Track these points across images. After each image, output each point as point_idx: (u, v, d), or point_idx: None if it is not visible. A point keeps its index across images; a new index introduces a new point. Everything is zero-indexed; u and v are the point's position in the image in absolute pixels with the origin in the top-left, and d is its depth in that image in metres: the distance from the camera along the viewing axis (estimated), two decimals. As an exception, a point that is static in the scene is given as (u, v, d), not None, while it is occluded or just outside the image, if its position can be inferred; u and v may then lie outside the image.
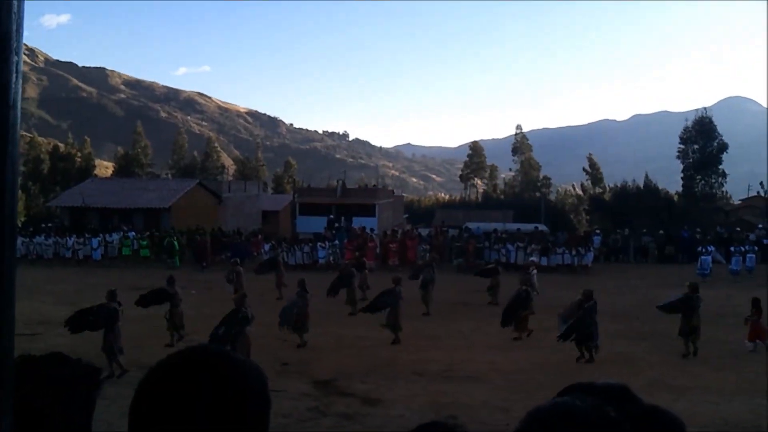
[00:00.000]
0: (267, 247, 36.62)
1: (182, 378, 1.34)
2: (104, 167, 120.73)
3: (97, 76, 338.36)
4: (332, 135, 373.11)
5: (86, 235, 37.32)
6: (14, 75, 1.29)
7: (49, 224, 43.75)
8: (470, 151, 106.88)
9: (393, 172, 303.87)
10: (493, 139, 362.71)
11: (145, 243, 37.13)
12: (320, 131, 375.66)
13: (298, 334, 16.70)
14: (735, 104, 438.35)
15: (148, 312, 17.92)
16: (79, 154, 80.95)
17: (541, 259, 33.95)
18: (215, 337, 13.95)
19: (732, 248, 32.01)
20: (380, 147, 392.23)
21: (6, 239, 1.31)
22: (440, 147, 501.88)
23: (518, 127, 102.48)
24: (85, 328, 14.68)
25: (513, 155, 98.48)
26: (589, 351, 14.97)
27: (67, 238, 37.30)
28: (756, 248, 32.90)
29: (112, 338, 14.34)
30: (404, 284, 19.23)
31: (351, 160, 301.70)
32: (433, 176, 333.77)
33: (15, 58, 1.28)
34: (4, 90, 1.28)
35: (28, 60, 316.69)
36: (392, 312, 17.21)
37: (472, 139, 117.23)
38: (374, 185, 73.48)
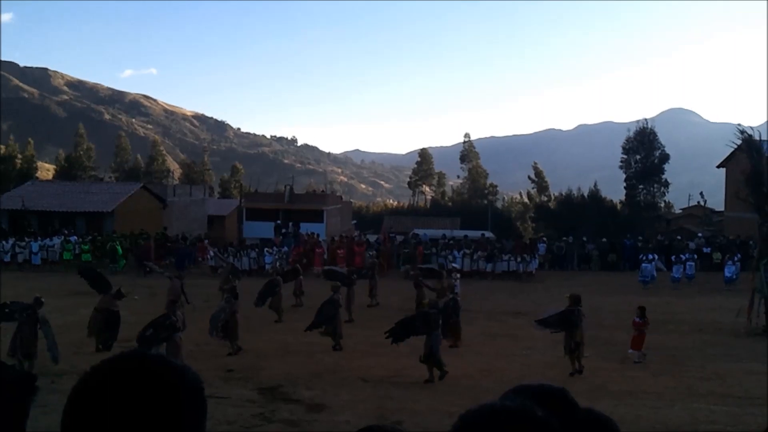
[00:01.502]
0: (212, 252, 36.24)
1: (116, 383, 1.32)
2: (46, 170, 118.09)
3: (39, 76, 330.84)
4: (280, 140, 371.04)
5: (26, 239, 36.40)
6: None
7: (-13, 228, 42.58)
8: (419, 158, 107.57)
9: (341, 178, 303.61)
10: (441, 146, 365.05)
11: (87, 247, 36.38)
12: (268, 136, 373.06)
13: (229, 341, 16.52)
14: (676, 115, 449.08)
15: (84, 318, 17.62)
16: (19, 156, 79.10)
17: (487, 266, 34.31)
18: (143, 338, 13.95)
19: (673, 257, 32.73)
20: (329, 153, 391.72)
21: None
22: (389, 153, 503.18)
23: (466, 135, 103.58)
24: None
25: (461, 163, 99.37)
26: (578, 360, 14.68)
27: (4, 242, 36.31)
28: (696, 256, 33.68)
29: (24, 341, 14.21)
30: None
31: (299, 165, 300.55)
32: (382, 183, 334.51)
33: None
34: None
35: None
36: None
37: (420, 147, 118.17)
38: (322, 191, 73.42)
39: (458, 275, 25.55)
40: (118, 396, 1.29)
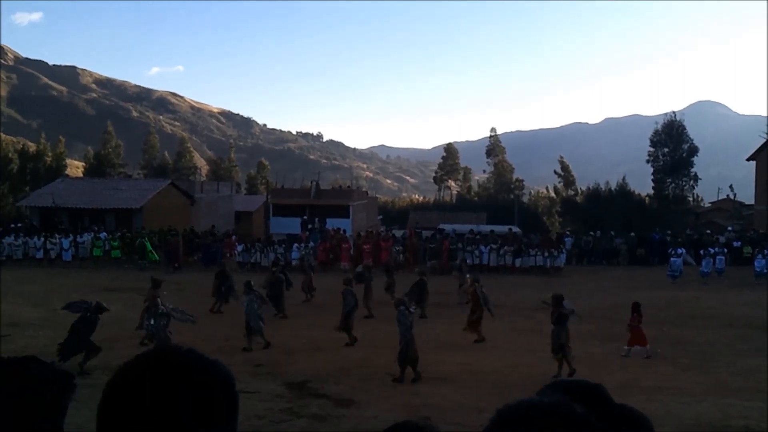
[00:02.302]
0: (240, 248, 36.45)
1: (150, 379, 1.34)
2: (75, 167, 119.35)
3: (68, 74, 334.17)
4: (306, 136, 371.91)
5: (57, 236, 36.85)
6: None
7: (19, 224, 43.14)
8: (444, 153, 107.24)
9: (367, 173, 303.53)
10: (467, 141, 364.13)
11: (116, 244, 36.76)
12: (294, 132, 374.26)
13: (258, 336, 16.64)
14: (705, 108, 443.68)
15: (119, 314, 17.78)
16: (49, 153, 79.94)
17: (515, 261, 34.18)
18: (148, 327, 14.84)
19: (702, 251, 32.38)
20: (354, 148, 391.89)
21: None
22: (414, 149, 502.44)
23: (492, 129, 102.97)
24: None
25: (487, 157, 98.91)
26: (567, 361, 14.41)
27: (36, 239, 36.78)
28: (725, 250, 33.33)
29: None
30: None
31: (325, 161, 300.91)
32: (408, 178, 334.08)
33: None
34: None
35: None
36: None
37: (446, 141, 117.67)
38: (348, 186, 73.36)
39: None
40: (152, 391, 1.32)
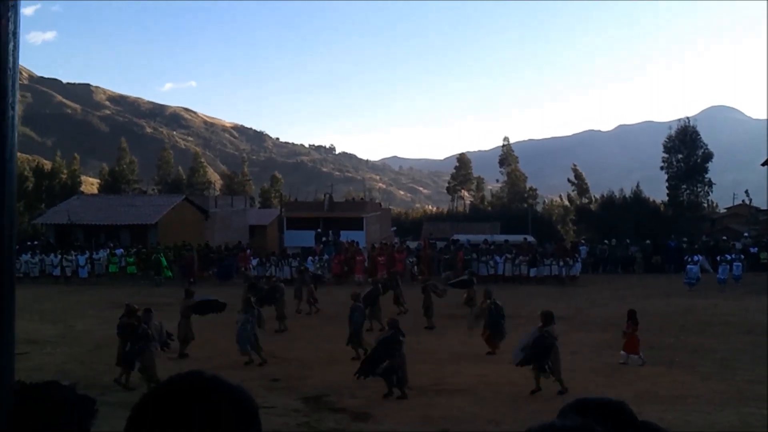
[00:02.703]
0: (255, 261, 36.53)
1: (174, 404, 1.35)
2: (90, 184, 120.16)
3: (82, 92, 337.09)
4: (319, 148, 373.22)
5: (73, 253, 37.07)
6: (9, 129, 1.35)
7: (35, 242, 43.46)
8: (457, 163, 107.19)
9: (380, 185, 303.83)
10: (479, 150, 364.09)
11: (131, 260, 36.93)
12: (306, 145, 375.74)
13: (256, 353, 16.54)
14: (718, 113, 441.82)
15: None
16: (64, 171, 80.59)
17: (530, 271, 34.05)
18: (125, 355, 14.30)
19: (719, 257, 32.13)
20: (367, 160, 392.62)
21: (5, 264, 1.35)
22: (427, 159, 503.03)
23: (505, 138, 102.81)
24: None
25: (500, 167, 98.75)
26: (553, 377, 13.65)
27: (52, 256, 37.02)
28: (742, 256, 33.07)
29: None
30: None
31: (338, 173, 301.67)
32: (420, 188, 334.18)
33: (11, 113, 1.34)
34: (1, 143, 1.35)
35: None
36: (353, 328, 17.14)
37: (458, 151, 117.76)
38: (361, 198, 73.50)
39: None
40: (175, 418, 1.33)
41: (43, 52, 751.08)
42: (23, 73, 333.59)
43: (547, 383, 13.59)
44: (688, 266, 30.50)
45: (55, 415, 1.72)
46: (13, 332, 1.40)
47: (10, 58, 1.35)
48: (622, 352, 16.20)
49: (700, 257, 32.32)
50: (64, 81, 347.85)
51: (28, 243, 42.98)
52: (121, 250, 37.99)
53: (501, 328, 17.30)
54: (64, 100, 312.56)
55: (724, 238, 41.09)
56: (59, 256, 36.82)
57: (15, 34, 1.36)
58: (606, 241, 40.31)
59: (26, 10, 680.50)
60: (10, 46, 1.35)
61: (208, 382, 1.40)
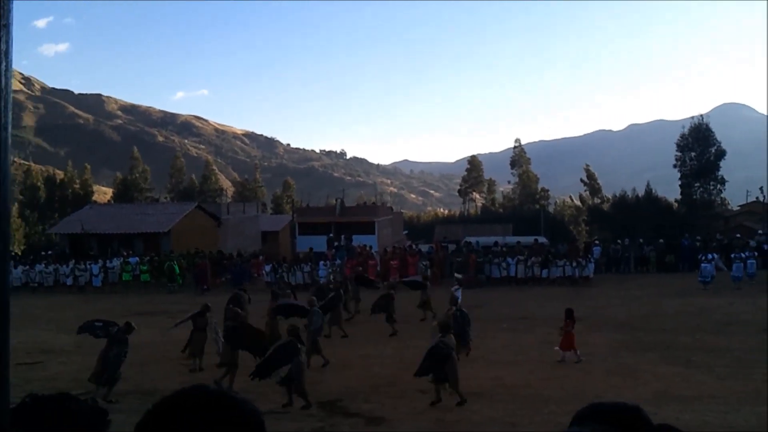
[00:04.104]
0: (268, 268, 36.59)
1: (180, 420, 1.35)
2: (103, 193, 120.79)
3: (94, 102, 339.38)
4: (330, 154, 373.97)
5: (87, 262, 37.24)
6: (2, 152, 1.36)
7: (49, 252, 43.72)
8: (468, 166, 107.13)
9: (391, 188, 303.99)
10: (490, 153, 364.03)
11: (145, 268, 37.05)
12: (318, 150, 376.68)
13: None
14: (731, 111, 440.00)
15: (150, 338, 17.87)
16: (77, 181, 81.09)
17: (542, 272, 33.93)
18: (106, 359, 14.19)
19: (733, 255, 31.91)
20: (378, 164, 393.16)
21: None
22: (438, 162, 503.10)
23: (516, 140, 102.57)
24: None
25: (511, 168, 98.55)
26: (437, 389, 13.13)
27: (62, 266, 37.20)
28: (756, 254, 32.85)
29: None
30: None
31: (349, 178, 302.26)
32: (432, 192, 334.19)
33: (3, 134, 1.36)
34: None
35: (24, 89, 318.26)
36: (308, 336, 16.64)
37: (469, 154, 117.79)
38: (373, 203, 73.50)
39: (458, 286, 25.74)
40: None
41: (56, 63, 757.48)
42: (36, 84, 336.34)
43: (569, 383, 13.54)
44: (703, 264, 30.29)
45: (69, 427, 1.72)
46: (8, 345, 1.39)
47: (3, 79, 1.34)
48: (556, 348, 16.37)
49: (715, 255, 32.11)
50: (76, 92, 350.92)
51: (42, 253, 43.25)
52: (136, 258, 38.11)
53: (467, 336, 16.87)
54: (77, 111, 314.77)
55: (738, 235, 40.82)
56: (70, 266, 37.01)
57: (7, 54, 1.36)
58: (619, 241, 40.10)
59: (39, 23, 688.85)
60: (2, 66, 1.35)
61: (213, 396, 1.40)
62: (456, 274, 30.07)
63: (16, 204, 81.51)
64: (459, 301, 24.31)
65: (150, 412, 1.39)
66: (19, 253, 53.05)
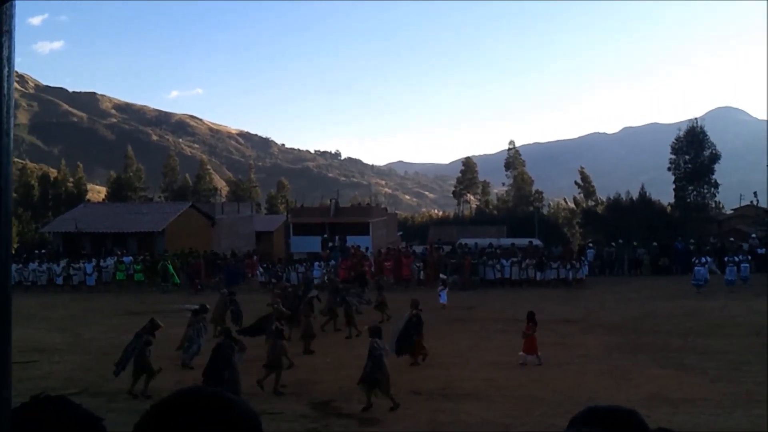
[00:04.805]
0: (262, 268, 36.59)
1: (178, 420, 1.35)
2: (97, 192, 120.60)
3: (88, 100, 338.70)
4: (324, 154, 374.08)
5: (81, 261, 37.15)
6: (4, 156, 1.37)
7: (43, 250, 43.59)
8: (463, 167, 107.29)
9: (386, 189, 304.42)
10: (485, 154, 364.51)
11: (139, 267, 36.97)
12: (312, 151, 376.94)
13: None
14: (725, 114, 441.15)
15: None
16: (70, 179, 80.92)
17: (536, 274, 33.96)
18: (125, 350, 14.24)
19: (726, 258, 31.99)
20: (372, 165, 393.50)
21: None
22: (433, 163, 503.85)
23: (511, 142, 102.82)
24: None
25: (506, 170, 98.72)
26: (368, 395, 12.96)
27: (54, 265, 37.05)
28: (750, 258, 32.94)
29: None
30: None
31: (344, 178, 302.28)
32: (426, 193, 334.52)
33: (5, 140, 1.36)
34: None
35: (18, 87, 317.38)
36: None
37: (464, 155, 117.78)
38: (367, 203, 73.47)
39: (444, 287, 26.48)
40: None
41: (50, 61, 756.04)
42: (29, 82, 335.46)
43: (562, 384, 13.55)
44: (696, 268, 30.35)
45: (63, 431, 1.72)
46: (9, 344, 1.39)
47: (5, 84, 1.35)
48: (520, 353, 16.37)
49: (708, 259, 32.19)
50: (70, 90, 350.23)
51: (36, 251, 43.12)
52: (130, 258, 38.03)
53: (411, 341, 16.69)
54: (71, 109, 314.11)
55: (732, 239, 40.93)
56: (61, 265, 36.89)
57: (9, 59, 1.36)
58: (613, 244, 40.19)
59: (34, 20, 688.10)
60: (5, 71, 1.35)
61: (210, 397, 1.40)
62: (441, 275, 30.15)
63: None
64: (444, 300, 24.74)
65: (148, 412, 1.39)
66: (13, 252, 52.92)
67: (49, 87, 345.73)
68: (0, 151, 1.34)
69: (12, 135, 1.35)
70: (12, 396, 1.43)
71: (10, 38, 1.34)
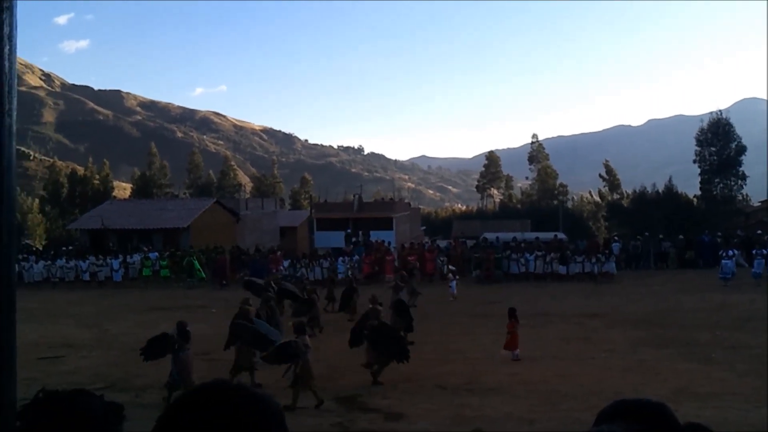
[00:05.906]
0: (286, 263, 36.74)
1: (201, 414, 1.36)
2: (122, 189, 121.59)
3: (113, 98, 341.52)
4: (347, 149, 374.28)
5: (107, 258, 37.50)
6: (6, 138, 1.36)
7: (70, 247, 44.05)
8: (486, 162, 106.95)
9: (409, 184, 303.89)
10: (508, 148, 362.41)
11: (165, 263, 37.24)
12: (335, 146, 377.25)
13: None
14: (750, 105, 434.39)
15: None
16: (97, 177, 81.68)
17: (560, 268, 33.75)
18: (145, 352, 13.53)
19: (754, 251, 31.56)
20: (395, 160, 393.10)
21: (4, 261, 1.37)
22: (456, 158, 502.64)
23: (534, 136, 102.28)
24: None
25: (529, 164, 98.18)
26: (297, 395, 12.69)
27: (80, 262, 37.37)
28: (777, 250, 32.46)
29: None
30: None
31: (367, 174, 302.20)
32: (450, 187, 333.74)
33: (8, 121, 1.36)
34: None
35: (45, 85, 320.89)
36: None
37: (487, 149, 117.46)
38: (391, 198, 73.42)
39: (454, 276, 27.19)
40: (200, 427, 1.33)
41: (76, 60, 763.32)
42: (56, 81, 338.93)
43: (586, 379, 13.47)
44: (723, 261, 29.95)
45: (85, 422, 1.73)
46: (13, 344, 1.41)
47: (6, 63, 1.34)
48: (503, 351, 16.39)
49: (736, 252, 31.78)
50: (96, 88, 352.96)
51: (63, 248, 43.61)
52: (156, 253, 38.30)
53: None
54: (96, 107, 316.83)
55: (759, 231, 40.40)
56: (88, 261, 37.22)
57: (10, 37, 1.36)
58: (639, 237, 39.82)
59: (60, 19, 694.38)
60: (6, 49, 1.35)
61: (234, 391, 1.41)
62: (450, 267, 30.25)
63: (37, 200, 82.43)
64: (453, 290, 25.05)
65: (172, 406, 1.40)
66: (41, 248, 53.57)
67: (75, 85, 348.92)
68: (2, 131, 1.34)
69: (14, 115, 1.34)
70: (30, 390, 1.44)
71: (11, 15, 1.33)
